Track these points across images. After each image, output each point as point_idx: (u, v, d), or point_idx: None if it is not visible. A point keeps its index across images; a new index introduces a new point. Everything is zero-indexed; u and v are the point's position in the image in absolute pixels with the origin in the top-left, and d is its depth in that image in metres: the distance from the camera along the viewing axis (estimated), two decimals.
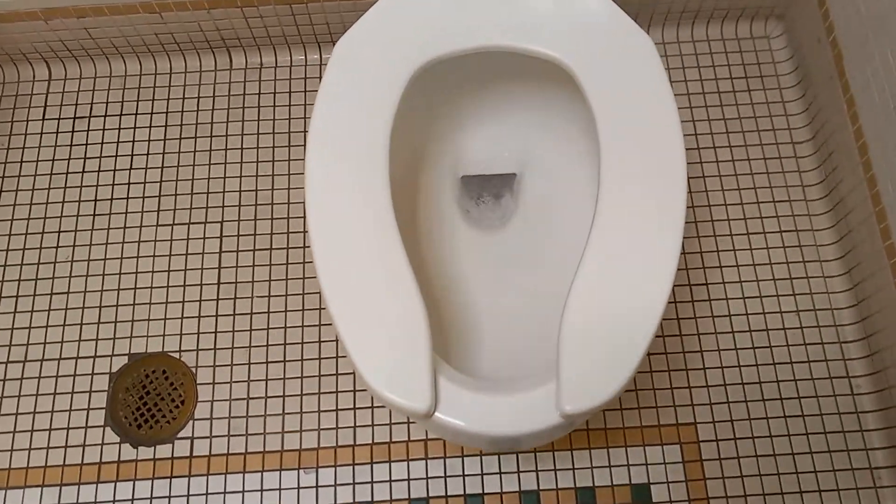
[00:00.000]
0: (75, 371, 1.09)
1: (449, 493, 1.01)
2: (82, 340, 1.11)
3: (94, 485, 1.03)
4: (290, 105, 1.23)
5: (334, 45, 1.23)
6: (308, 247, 1.15)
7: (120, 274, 1.14)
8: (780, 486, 1.01)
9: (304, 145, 1.18)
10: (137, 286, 1.13)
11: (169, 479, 1.03)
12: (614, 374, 0.65)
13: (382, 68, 0.77)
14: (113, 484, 1.03)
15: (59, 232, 1.16)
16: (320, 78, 1.24)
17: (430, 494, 1.01)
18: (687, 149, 1.17)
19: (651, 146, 0.74)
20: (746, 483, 1.01)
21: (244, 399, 1.07)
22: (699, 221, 1.15)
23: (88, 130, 1.22)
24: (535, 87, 0.86)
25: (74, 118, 1.23)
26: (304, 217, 1.10)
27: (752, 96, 1.22)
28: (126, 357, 1.10)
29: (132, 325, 1.11)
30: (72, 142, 1.22)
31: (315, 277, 1.13)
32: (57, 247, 1.16)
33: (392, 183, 0.74)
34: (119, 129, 1.23)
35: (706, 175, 1.17)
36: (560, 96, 0.85)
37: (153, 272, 1.14)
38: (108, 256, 1.15)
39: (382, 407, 1.06)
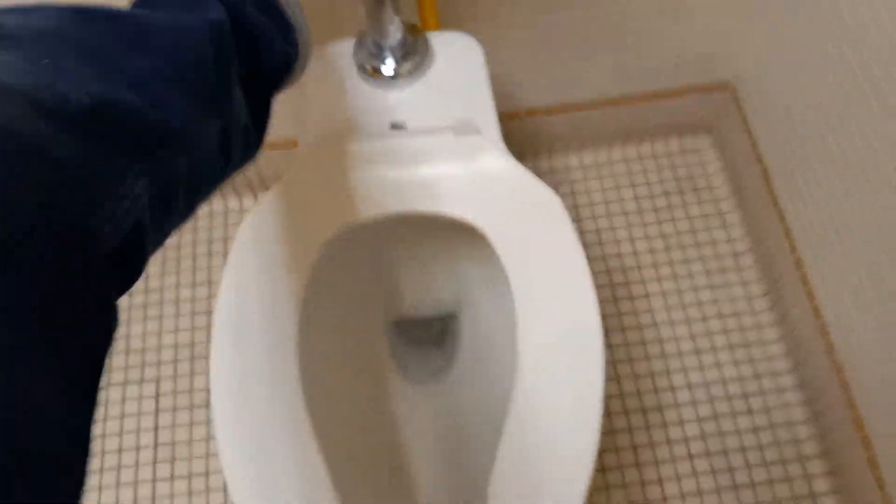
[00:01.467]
0: None
1: None
2: None
3: None
4: (224, 252, 1.22)
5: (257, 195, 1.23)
6: None
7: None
8: None
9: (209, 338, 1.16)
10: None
11: None
12: None
13: (292, 239, 0.75)
14: None
15: None
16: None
17: None
18: (627, 266, 1.17)
19: (564, 303, 0.72)
20: None
21: None
22: (647, 342, 1.13)
23: None
24: (455, 242, 0.85)
25: None
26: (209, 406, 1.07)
27: (688, 209, 1.23)
28: None
29: None
30: None
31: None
32: None
33: (314, 344, 0.71)
34: None
35: (650, 294, 1.16)
36: (478, 248, 0.85)
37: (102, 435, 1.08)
38: None
39: None
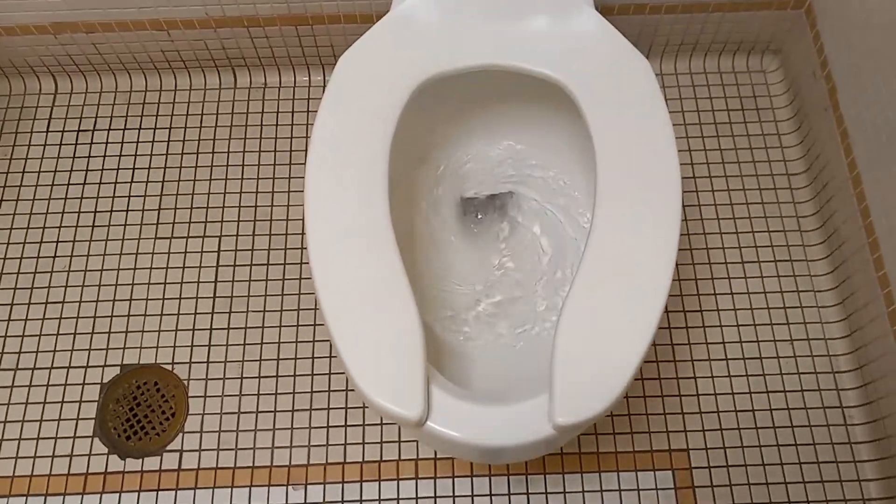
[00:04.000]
0: (66, 380, 1.08)
1: None
2: (75, 350, 1.10)
3: (80, 496, 1.02)
4: (292, 124, 1.25)
5: None
6: (304, 263, 1.15)
7: (116, 285, 1.14)
8: None
9: (305, 159, 1.19)
10: (133, 297, 1.13)
11: (156, 492, 1.02)
12: (606, 388, 0.65)
13: (383, 85, 0.78)
14: (99, 495, 1.02)
15: (58, 242, 1.17)
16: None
17: None
18: (683, 178, 1.19)
19: (647, 170, 0.75)
20: None
21: (235, 413, 1.06)
22: (695, 249, 1.15)
23: (91, 143, 1.24)
24: (537, 105, 0.88)
25: (78, 131, 1.25)
26: (304, 229, 1.10)
27: (748, 128, 1.24)
28: (118, 368, 1.09)
29: (126, 336, 1.11)
30: (74, 154, 1.23)
31: (311, 294, 1.13)
32: (54, 256, 1.16)
33: (391, 198, 0.75)
34: (122, 142, 1.24)
35: (702, 203, 1.18)
36: (558, 116, 0.87)
37: (149, 284, 1.14)
38: (104, 267, 1.15)
39: (374, 424, 1.05)
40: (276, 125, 1.25)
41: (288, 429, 1.05)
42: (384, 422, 1.05)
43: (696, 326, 1.10)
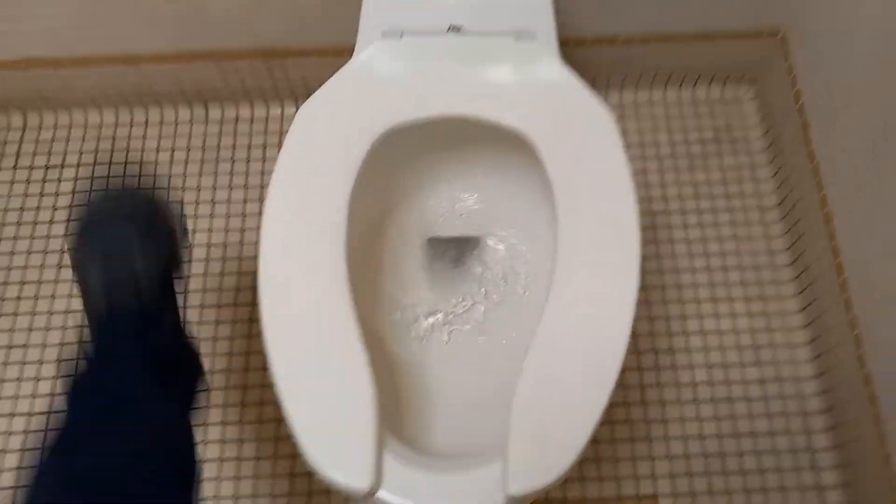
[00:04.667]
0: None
1: None
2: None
3: None
4: (264, 159, 1.24)
5: None
6: None
7: (83, 326, 1.13)
8: None
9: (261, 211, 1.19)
10: None
11: None
12: (559, 458, 0.65)
13: (343, 136, 0.78)
14: None
15: (22, 283, 1.16)
16: None
17: None
18: (656, 211, 1.18)
19: (606, 225, 0.74)
20: None
21: None
22: (667, 286, 1.15)
23: (60, 180, 1.23)
24: (499, 152, 0.87)
25: (46, 167, 1.24)
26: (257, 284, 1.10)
27: (722, 160, 1.23)
28: None
29: None
30: (42, 190, 1.22)
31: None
32: (19, 298, 1.15)
33: (353, 248, 0.74)
34: (92, 178, 1.22)
35: (674, 239, 1.18)
36: (522, 162, 0.86)
37: None
38: (70, 309, 1.14)
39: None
40: (248, 160, 1.24)
41: (232, 478, 1.04)
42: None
43: (665, 367, 1.10)
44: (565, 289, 0.72)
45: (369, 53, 0.82)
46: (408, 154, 0.88)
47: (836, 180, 1.03)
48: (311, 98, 0.80)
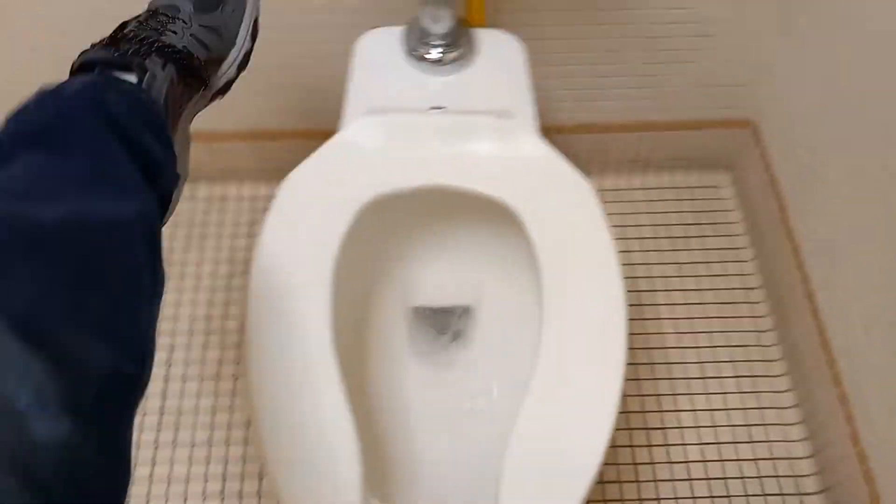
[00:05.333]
0: None
1: None
2: None
3: None
4: (249, 236, 1.24)
5: None
6: None
7: None
8: None
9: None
10: None
11: None
12: None
13: (327, 207, 0.78)
14: None
15: None
16: None
17: None
18: (641, 291, 1.19)
19: (591, 293, 0.74)
20: None
21: None
22: (655, 363, 1.14)
23: None
24: (484, 222, 0.88)
25: None
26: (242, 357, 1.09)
27: (704, 242, 1.25)
28: None
29: None
30: None
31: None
32: None
33: (339, 317, 0.73)
34: None
35: (661, 317, 1.18)
36: (508, 231, 0.87)
37: None
38: None
39: None
40: (234, 236, 1.24)
41: None
42: None
43: (658, 444, 1.07)
44: (553, 360, 0.71)
45: (354, 127, 0.84)
46: (391, 226, 0.89)
47: (816, 258, 1.05)
48: (296, 169, 0.81)
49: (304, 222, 0.77)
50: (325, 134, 1.16)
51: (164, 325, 1.15)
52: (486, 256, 0.92)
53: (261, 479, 1.04)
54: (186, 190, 1.25)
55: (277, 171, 1.24)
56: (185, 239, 1.24)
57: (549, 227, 0.75)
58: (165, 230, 1.23)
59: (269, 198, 1.26)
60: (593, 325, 0.72)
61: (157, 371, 1.11)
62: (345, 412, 0.66)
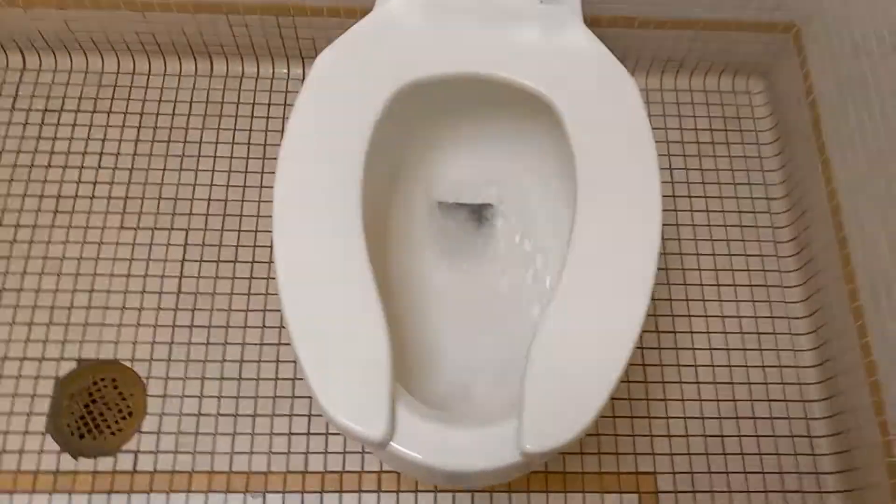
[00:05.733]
0: (19, 373, 1.04)
1: None
2: (30, 341, 1.06)
3: (29, 494, 0.98)
4: (268, 117, 1.21)
5: None
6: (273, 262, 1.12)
7: (77, 275, 1.10)
8: None
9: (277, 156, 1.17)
10: (94, 289, 1.09)
11: (108, 494, 0.98)
12: (577, 416, 0.64)
13: (361, 87, 0.76)
14: (48, 495, 0.98)
15: (17, 226, 1.12)
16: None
17: None
18: (663, 196, 1.17)
19: (628, 188, 0.73)
20: None
21: (195, 415, 1.03)
22: (670, 269, 1.14)
23: (58, 124, 1.19)
24: (516, 117, 0.85)
25: (45, 111, 1.20)
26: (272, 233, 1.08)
27: (730, 149, 1.23)
28: (75, 362, 1.05)
29: (84, 328, 1.07)
30: (40, 134, 1.18)
31: (276, 294, 1.10)
32: (13, 241, 1.11)
33: (365, 203, 0.72)
34: (90, 125, 1.19)
35: (680, 223, 1.17)
36: (540, 129, 0.85)
37: (111, 276, 1.10)
38: (65, 255, 1.11)
39: (337, 434, 1.02)
40: (252, 117, 1.21)
41: (249, 434, 1.02)
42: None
43: (668, 347, 1.09)
44: (583, 256, 0.71)
45: (392, 4, 0.80)
46: (423, 114, 0.86)
47: (846, 172, 1.03)
48: (331, 46, 0.78)
49: (335, 104, 0.74)
50: (352, 12, 1.11)
51: (181, 206, 1.14)
52: (517, 151, 0.90)
53: (277, 359, 1.06)
54: (204, 66, 1.21)
55: (299, 51, 1.21)
56: (201, 118, 1.20)
57: (589, 125, 0.74)
58: (182, 106, 1.20)
59: (289, 78, 1.23)
60: (625, 234, 0.71)
61: (176, 251, 1.11)
62: (374, 302, 0.67)
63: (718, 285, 1.14)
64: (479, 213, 0.93)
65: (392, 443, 0.63)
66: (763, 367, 1.09)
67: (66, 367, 1.05)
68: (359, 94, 0.75)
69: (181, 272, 1.11)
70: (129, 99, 1.21)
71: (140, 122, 1.20)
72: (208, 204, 1.15)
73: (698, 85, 1.27)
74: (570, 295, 0.69)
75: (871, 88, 0.97)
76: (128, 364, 1.05)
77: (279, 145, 1.17)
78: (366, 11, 1.12)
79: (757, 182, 1.21)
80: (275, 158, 1.18)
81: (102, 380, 1.04)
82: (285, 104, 1.22)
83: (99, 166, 1.17)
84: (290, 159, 0.72)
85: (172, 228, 1.13)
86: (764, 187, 1.21)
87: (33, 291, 1.09)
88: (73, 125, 1.19)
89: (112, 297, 1.09)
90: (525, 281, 0.88)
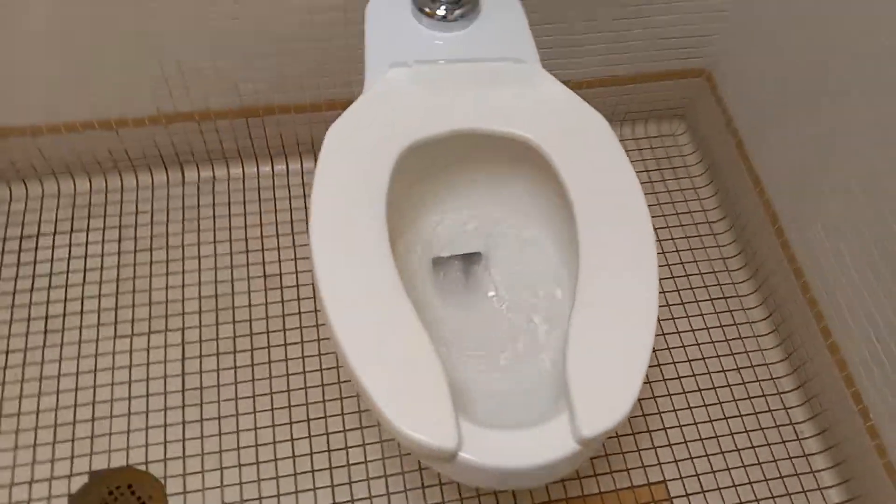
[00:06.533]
0: (29, 496, 1.02)
1: None
2: (37, 462, 1.05)
3: None
4: (245, 213, 1.27)
5: (287, 158, 1.31)
6: (273, 347, 1.15)
7: (76, 389, 1.10)
8: None
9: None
10: (96, 400, 1.09)
11: None
12: (622, 396, 0.70)
13: (371, 152, 0.84)
14: None
15: (7, 352, 1.12)
16: (272, 189, 1.30)
17: None
18: None
19: (620, 215, 0.82)
20: None
21: None
22: None
23: (37, 248, 1.21)
24: (503, 168, 0.95)
25: (21, 237, 1.22)
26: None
27: (667, 185, 1.37)
28: (86, 475, 1.04)
29: (92, 440, 1.07)
30: (19, 261, 1.20)
31: (283, 376, 1.13)
32: (5, 367, 1.11)
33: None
34: (70, 245, 1.22)
35: None
36: (522, 177, 0.95)
37: (113, 384, 1.11)
38: (62, 373, 1.11)
39: (363, 499, 1.05)
40: (229, 216, 1.27)
41: None
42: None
43: (652, 365, 1.18)
44: (594, 265, 0.79)
45: (385, 80, 0.90)
46: (421, 173, 0.95)
47: (775, 179, 1.17)
48: (339, 119, 0.86)
49: (350, 168, 0.82)
50: (317, 106, 1.21)
51: (173, 308, 1.17)
52: (502, 200, 0.99)
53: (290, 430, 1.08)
54: (175, 175, 1.27)
55: (267, 150, 1.29)
56: (179, 224, 1.25)
57: (576, 163, 0.84)
58: (160, 214, 1.24)
59: (260, 177, 1.30)
60: (627, 249, 0.80)
61: (174, 351, 1.14)
62: (419, 328, 0.73)
63: (683, 303, 1.25)
64: (471, 262, 1.01)
65: (461, 453, 0.68)
66: (738, 369, 1.19)
67: (78, 482, 1.04)
68: (369, 159, 0.83)
69: (183, 370, 1.13)
70: (105, 216, 1.25)
71: (119, 236, 1.24)
72: (199, 302, 1.18)
73: (628, 134, 1.42)
74: (589, 296, 0.77)
75: (781, 108, 1.13)
76: (142, 468, 1.05)
77: (259, 237, 1.24)
78: (331, 104, 1.23)
79: (696, 210, 1.35)
80: (257, 250, 1.24)
81: (118, 488, 1.04)
82: (259, 199, 1.29)
83: (84, 282, 1.19)
84: (322, 221, 0.78)
85: (168, 330, 1.16)
86: (704, 213, 1.34)
87: (32, 414, 1.08)
88: (52, 247, 1.22)
89: (116, 405, 1.09)
90: (527, 315, 0.95)
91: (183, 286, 1.20)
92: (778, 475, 1.11)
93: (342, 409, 1.11)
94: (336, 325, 0.73)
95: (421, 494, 1.06)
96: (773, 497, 1.09)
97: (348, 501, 1.04)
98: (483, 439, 0.69)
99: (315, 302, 1.19)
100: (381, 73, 0.92)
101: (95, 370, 1.12)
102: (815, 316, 1.11)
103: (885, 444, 0.99)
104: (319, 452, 1.08)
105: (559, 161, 0.84)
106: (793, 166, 1.12)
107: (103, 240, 1.23)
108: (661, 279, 1.27)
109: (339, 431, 1.09)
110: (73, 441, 1.06)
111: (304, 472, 1.06)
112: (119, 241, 1.23)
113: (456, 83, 0.89)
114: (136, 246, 1.23)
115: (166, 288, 1.19)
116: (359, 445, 1.09)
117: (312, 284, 1.19)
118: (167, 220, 1.26)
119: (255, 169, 1.31)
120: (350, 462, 1.07)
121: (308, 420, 1.10)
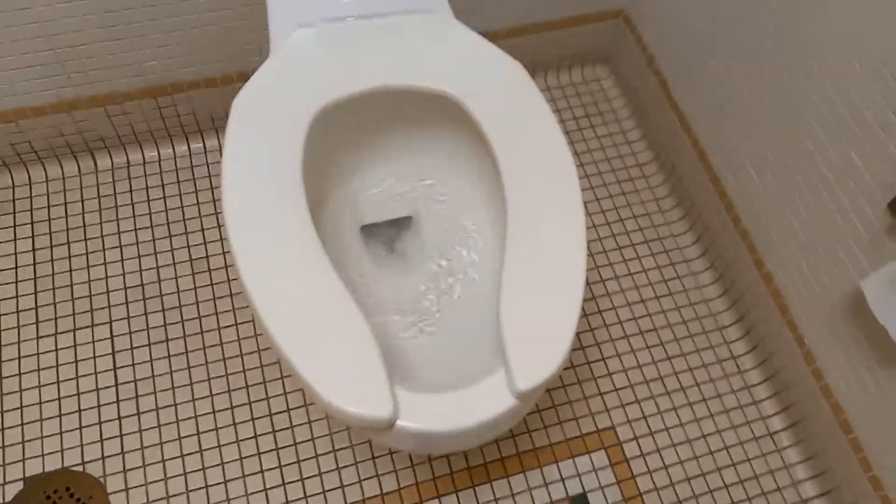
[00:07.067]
0: None
1: None
2: None
3: None
4: (164, 197, 1.22)
5: (202, 135, 1.26)
6: (207, 332, 1.12)
7: (2, 395, 1.05)
8: (699, 468, 1.08)
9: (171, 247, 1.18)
10: (24, 405, 1.05)
11: None
12: (555, 349, 0.70)
13: (281, 119, 0.80)
14: None
15: None
16: (190, 169, 1.25)
17: None
18: None
19: (545, 164, 0.81)
20: (671, 472, 1.07)
21: (164, 499, 1.00)
22: None
23: None
24: (425, 125, 0.93)
25: None
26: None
27: (596, 131, 1.36)
28: (21, 482, 1.00)
29: (23, 446, 1.02)
30: None
31: (219, 360, 1.10)
32: None
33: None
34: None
35: None
36: (444, 132, 0.92)
37: (40, 386, 1.06)
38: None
39: (316, 494, 1.03)
40: (148, 200, 1.22)
41: (224, 501, 1.00)
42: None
43: (593, 312, 1.18)
44: (521, 221, 0.77)
45: (291, 43, 0.86)
46: (339, 137, 0.92)
47: (702, 118, 1.17)
48: (244, 89, 0.82)
49: (261, 139, 0.79)
50: (228, 78, 1.16)
51: (98, 301, 1.12)
52: (429, 157, 0.97)
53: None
54: (87, 164, 1.21)
55: (181, 128, 1.23)
56: (96, 214, 1.20)
57: (495, 111, 0.82)
58: (74, 206, 1.19)
59: (177, 157, 1.25)
60: (552, 196, 0.79)
61: (103, 345, 1.09)
62: (347, 299, 0.71)
63: (619, 248, 1.25)
64: (399, 228, 0.99)
65: (398, 421, 0.66)
66: (677, 308, 1.20)
67: (13, 490, 1.00)
68: (280, 126, 0.79)
69: (114, 364, 1.08)
70: (14, 213, 1.19)
71: (33, 232, 1.18)
72: (125, 292, 1.14)
73: (553, 82, 1.40)
74: (519, 259, 0.75)
75: (701, 44, 1.12)
76: (79, 468, 1.01)
77: (182, 220, 1.19)
78: (242, 75, 1.18)
79: (627, 153, 1.34)
80: (181, 234, 1.20)
81: (56, 492, 1.00)
82: (178, 181, 1.24)
83: None
84: (234, 190, 0.75)
85: (94, 325, 1.11)
86: (634, 156, 1.34)
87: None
88: None
89: (46, 407, 1.05)
90: (461, 269, 0.94)
91: (106, 278, 1.15)
92: (723, 409, 1.12)
93: (284, 388, 1.09)
94: (258, 304, 0.71)
95: (372, 465, 1.04)
96: (718, 431, 1.11)
97: (297, 480, 1.03)
98: (420, 405, 0.68)
99: None
100: (287, 36, 0.88)
101: (20, 373, 1.07)
102: (748, 248, 1.11)
103: (821, 369, 1.01)
104: (264, 434, 1.05)
105: (478, 112, 0.82)
106: (717, 101, 1.12)
107: (15, 237, 1.17)
108: (596, 226, 1.27)
109: (283, 411, 1.07)
110: (2, 448, 1.02)
111: (251, 456, 1.04)
112: (32, 237, 1.17)
113: (366, 40, 0.85)
114: (51, 241, 1.17)
115: (88, 281, 1.14)
116: (304, 423, 1.06)
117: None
118: (83, 211, 1.20)
119: (171, 150, 1.26)
120: (297, 441, 1.05)
121: (250, 403, 1.07)
